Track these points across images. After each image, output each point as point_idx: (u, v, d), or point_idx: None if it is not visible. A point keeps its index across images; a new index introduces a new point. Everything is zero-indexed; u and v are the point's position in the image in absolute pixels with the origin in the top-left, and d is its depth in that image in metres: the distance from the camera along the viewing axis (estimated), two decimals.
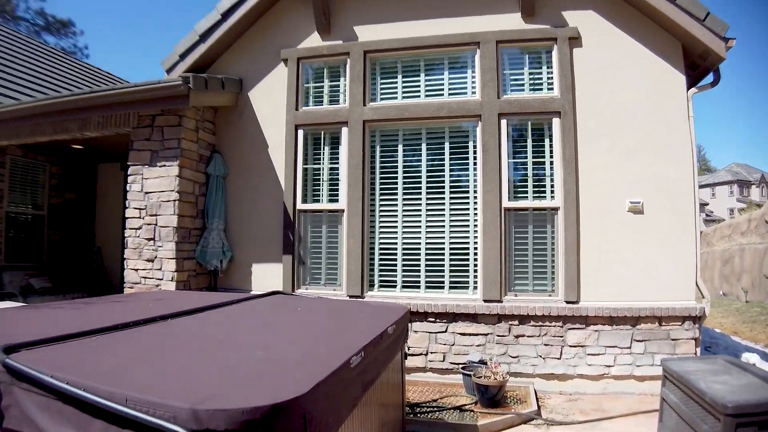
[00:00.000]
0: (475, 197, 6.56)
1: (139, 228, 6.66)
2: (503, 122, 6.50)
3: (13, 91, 9.47)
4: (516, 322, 6.19)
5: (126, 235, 6.78)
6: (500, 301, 6.27)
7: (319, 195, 7.04)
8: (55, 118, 7.20)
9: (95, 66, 15.32)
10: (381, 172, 6.88)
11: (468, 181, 6.64)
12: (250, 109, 7.24)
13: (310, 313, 4.14)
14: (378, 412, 3.62)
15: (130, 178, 6.75)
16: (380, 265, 6.78)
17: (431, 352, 6.39)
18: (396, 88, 6.93)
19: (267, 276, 7.00)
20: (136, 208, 6.70)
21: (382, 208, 6.83)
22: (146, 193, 6.62)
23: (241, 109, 7.28)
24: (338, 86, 7.13)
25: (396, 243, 6.74)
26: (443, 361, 6.35)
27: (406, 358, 4.62)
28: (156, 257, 6.55)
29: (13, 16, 22.66)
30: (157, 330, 3.06)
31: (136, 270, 6.69)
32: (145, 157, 6.65)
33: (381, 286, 6.77)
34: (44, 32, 23.31)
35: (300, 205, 6.97)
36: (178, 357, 2.45)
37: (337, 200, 6.91)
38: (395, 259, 6.73)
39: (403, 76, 6.92)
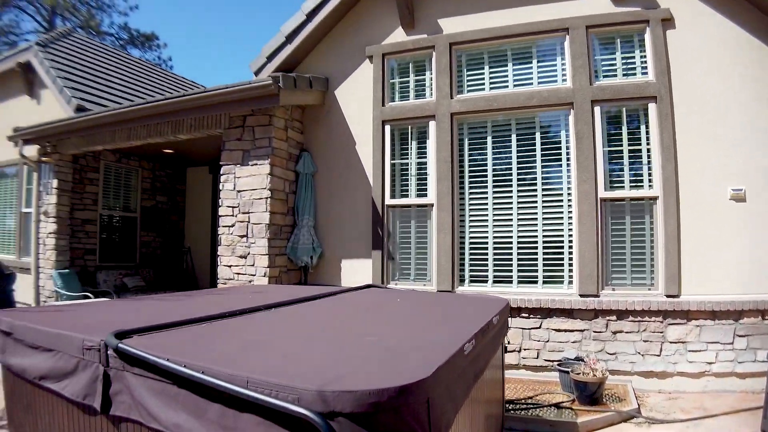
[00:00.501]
0: (569, 188, 6.33)
1: (232, 225, 6.81)
2: (596, 109, 6.25)
3: (106, 101, 9.95)
4: (614, 318, 5.91)
5: (219, 232, 6.94)
6: (597, 296, 6.01)
7: (407, 190, 6.99)
8: (149, 121, 7.49)
9: (180, 75, 15.92)
10: (470, 165, 6.76)
11: (561, 171, 6.42)
12: (337, 107, 7.29)
13: (410, 303, 4.09)
14: (482, 406, 3.51)
15: (222, 178, 6.92)
16: (471, 259, 6.65)
17: (524, 349, 6.20)
18: (483, 79, 6.79)
19: (356, 272, 7.01)
20: (229, 206, 6.85)
21: (471, 202, 6.70)
22: (239, 191, 6.77)
23: (328, 107, 7.34)
24: (424, 80, 7.06)
25: (486, 237, 6.60)
26: (537, 358, 6.16)
27: (505, 352, 4.49)
28: (249, 254, 6.67)
29: (98, 32, 23.85)
30: (264, 318, 3.07)
31: (230, 266, 6.84)
32: (237, 156, 6.80)
33: (472, 281, 6.64)
34: (129, 46, 24.40)
35: (388, 201, 6.95)
36: (290, 342, 2.43)
37: (425, 194, 6.84)
38: (486, 254, 6.59)
39: (490, 67, 6.78)
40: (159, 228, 11.61)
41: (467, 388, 2.61)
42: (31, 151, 9.64)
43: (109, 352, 2.13)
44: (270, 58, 7.42)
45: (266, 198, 6.57)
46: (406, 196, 6.97)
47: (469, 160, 6.77)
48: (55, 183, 9.16)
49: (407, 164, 7.00)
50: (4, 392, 3.05)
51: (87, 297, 8.74)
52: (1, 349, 2.91)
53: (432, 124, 6.83)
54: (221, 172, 6.94)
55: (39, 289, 9.60)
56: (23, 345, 2.68)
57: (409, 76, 7.14)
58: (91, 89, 10.26)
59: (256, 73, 7.50)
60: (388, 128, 7.03)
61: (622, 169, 6.23)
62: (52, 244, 9.19)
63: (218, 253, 6.95)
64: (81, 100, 9.37)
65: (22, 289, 9.60)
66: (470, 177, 6.74)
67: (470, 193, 6.72)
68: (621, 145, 6.23)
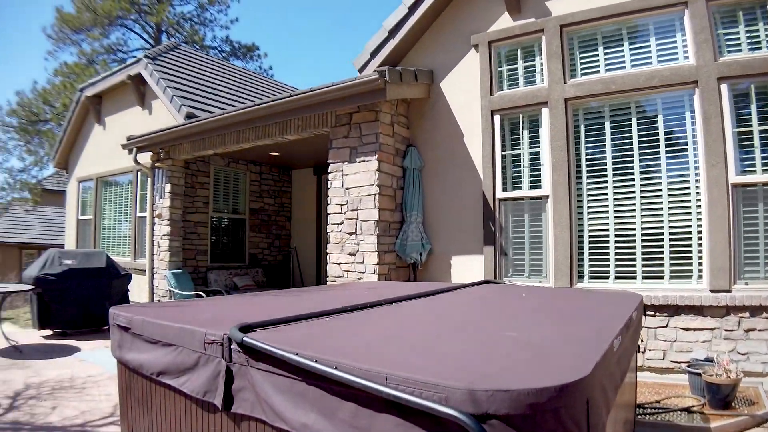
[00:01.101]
0: (697, 174, 5.82)
1: (341, 223, 6.77)
2: (723, 87, 5.70)
3: (213, 108, 10.25)
4: (746, 315, 5.36)
5: (328, 230, 6.93)
6: (729, 291, 5.47)
7: (519, 182, 6.70)
8: (257, 123, 7.61)
9: (280, 81, 16.29)
10: (587, 153, 6.37)
11: (687, 156, 5.92)
12: (443, 100, 7.11)
13: (537, 298, 3.83)
14: (621, 410, 3.21)
15: (330, 176, 6.90)
16: (590, 254, 6.27)
17: (650, 349, 5.75)
18: (597, 61, 6.39)
19: (467, 268, 6.79)
20: (337, 204, 6.82)
21: (590, 192, 6.31)
22: (347, 188, 6.72)
23: (434, 100, 7.17)
24: (533, 66, 6.75)
25: (607, 229, 6.19)
26: (663, 359, 5.69)
27: (639, 352, 4.14)
28: (357, 251, 6.61)
29: (202, 46, 24.88)
30: (388, 312, 2.93)
31: (338, 264, 6.80)
32: (344, 154, 6.76)
33: (591, 277, 6.25)
34: (232, 58, 25.30)
35: (500, 194, 6.68)
36: (422, 337, 2.27)
37: (539, 186, 6.53)
38: (607, 247, 6.18)
39: (605, 48, 6.37)
40: (266, 229, 11.90)
41: (615, 388, 2.35)
42: (145, 158, 10.08)
43: (232, 346, 2.04)
44: (374, 54, 7.35)
45: (374, 194, 6.48)
46: (519, 188, 6.68)
47: (586, 148, 6.39)
48: (168, 187, 9.54)
49: (519, 155, 6.71)
50: (118, 388, 3.06)
51: (199, 296, 9.01)
52: (118, 344, 2.92)
53: (545, 112, 6.50)
54: (329, 170, 6.93)
55: (153, 288, 10.01)
56: (141, 340, 2.66)
57: (517, 63, 6.84)
58: (199, 98, 10.64)
59: (360, 70, 7.45)
60: (497, 118, 6.77)
61: (753, 152, 5.67)
62: (165, 246, 9.56)
63: (327, 250, 6.94)
64: (190, 108, 9.70)
65: (138, 289, 10.09)
66: (588, 166, 6.35)
67: (588, 183, 6.33)
68: (751, 126, 5.67)
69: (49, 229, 26.45)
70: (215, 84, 12.26)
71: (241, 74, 15.32)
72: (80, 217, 14.04)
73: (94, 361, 6.93)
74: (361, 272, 6.58)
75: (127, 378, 2.93)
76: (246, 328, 2.10)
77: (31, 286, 8.02)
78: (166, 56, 12.23)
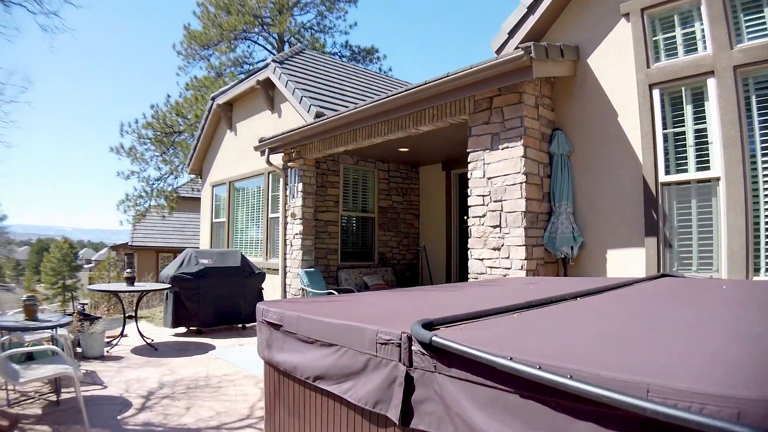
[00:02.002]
0: None
1: (483, 216, 6.34)
2: None
3: (341, 107, 10.15)
4: None
5: (469, 223, 6.51)
6: None
7: (684, 163, 5.94)
8: (390, 116, 7.36)
9: (403, 80, 16.15)
10: (761, 128, 5.53)
11: None
12: (591, 77, 6.49)
13: (741, 292, 3.22)
14: None
15: (470, 165, 6.49)
16: None
17: None
18: (765, 23, 5.53)
19: (625, 263, 6.13)
20: (478, 195, 6.40)
21: (766, 173, 5.47)
22: (489, 178, 6.29)
23: (581, 78, 6.57)
24: (693, 32, 5.96)
25: None
26: None
27: None
28: (502, 245, 6.15)
29: (323, 52, 25.36)
30: (577, 308, 2.48)
31: (481, 260, 6.37)
32: (485, 141, 6.34)
33: None
34: (351, 62, 25.61)
35: (662, 177, 5.96)
36: (645, 337, 1.82)
37: (708, 167, 5.75)
38: None
39: None
40: (395, 228, 11.71)
41: None
42: (276, 159, 10.19)
43: (413, 347, 1.69)
44: (512, 33, 6.87)
45: (521, 183, 6.00)
46: (684, 170, 5.92)
47: (760, 122, 5.55)
48: (300, 186, 9.55)
49: (683, 133, 5.95)
50: (265, 392, 2.80)
51: (332, 294, 8.92)
52: (266, 343, 2.66)
53: (711, 82, 5.72)
54: (468, 160, 6.52)
55: (286, 287, 10.06)
56: (295, 339, 2.37)
57: (674, 30, 6.09)
58: (326, 97, 10.63)
59: (498, 51, 7.00)
60: (656, 92, 6.06)
61: None
62: (298, 245, 9.57)
63: (468, 245, 6.53)
64: (319, 107, 9.67)
65: (271, 288, 10.16)
66: (762, 142, 5.51)
67: (764, 162, 5.49)
68: None
69: (183, 233, 28.07)
70: (340, 84, 12.26)
71: (364, 74, 15.33)
72: (214, 220, 14.58)
73: (229, 360, 6.95)
74: (506, 268, 6.12)
75: (275, 381, 2.68)
76: (429, 326, 1.75)
77: (168, 285, 8.26)
78: (292, 60, 12.40)
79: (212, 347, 7.73)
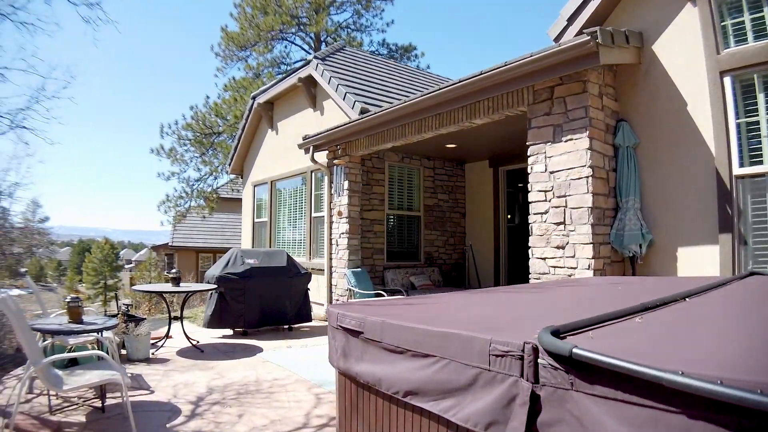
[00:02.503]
0: None
1: (546, 212, 6.01)
2: None
3: (385, 103, 9.90)
4: None
5: (530, 221, 6.19)
6: None
7: (759, 155, 5.51)
8: (441, 109, 7.10)
9: (444, 76, 15.86)
10: None
11: None
12: (657, 64, 6.10)
13: None
14: None
15: (530, 159, 6.17)
16: None
17: None
18: None
19: (697, 261, 5.72)
20: (540, 191, 6.06)
21: None
22: (551, 172, 5.95)
23: (646, 65, 6.18)
24: (762, 17, 5.53)
25: None
26: None
27: None
28: (567, 243, 5.81)
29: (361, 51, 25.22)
30: (693, 310, 2.19)
31: (544, 259, 6.04)
32: (546, 133, 6.00)
33: None
34: (389, 60, 25.42)
35: (736, 170, 5.53)
36: None
37: None
38: None
39: None
40: (441, 227, 11.42)
41: None
42: (321, 158, 10.00)
43: (540, 360, 1.43)
44: (570, 19, 6.52)
45: (586, 177, 5.65)
46: (759, 162, 5.49)
47: None
48: (346, 184, 9.33)
49: (756, 123, 5.52)
50: (338, 405, 2.53)
51: (380, 295, 8.67)
52: (342, 351, 2.39)
53: None
54: (528, 153, 6.20)
55: (332, 287, 9.87)
56: (379, 348, 2.11)
57: (743, 15, 5.67)
58: (370, 93, 10.41)
59: (556, 39, 6.65)
60: (727, 80, 5.63)
61: None
62: (344, 244, 9.35)
63: (529, 244, 6.20)
64: (363, 104, 9.44)
65: (315, 289, 9.97)
66: None
67: None
68: None
69: (222, 233, 28.28)
70: (382, 81, 12.03)
71: (405, 71, 15.09)
72: (256, 220, 14.49)
73: (279, 363, 6.73)
74: (571, 268, 5.78)
75: (352, 394, 2.41)
76: (556, 334, 1.49)
77: (214, 285, 8.10)
78: (333, 57, 12.21)
79: (259, 349, 7.55)
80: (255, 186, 14.52)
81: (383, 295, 8.66)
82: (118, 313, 7.81)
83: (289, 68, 24.49)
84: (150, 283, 27.83)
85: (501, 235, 10.96)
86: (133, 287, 8.25)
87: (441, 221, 11.42)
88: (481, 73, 6.29)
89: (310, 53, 25.27)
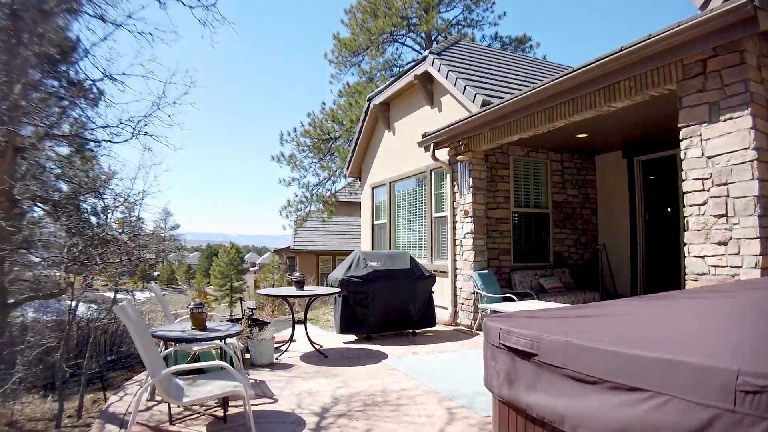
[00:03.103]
0: None
1: (703, 203, 5.30)
2: None
3: (507, 95, 9.42)
4: None
5: (685, 213, 5.50)
6: None
7: None
8: (575, 93, 6.59)
9: (566, 64, 15.06)
10: None
11: None
12: None
13: None
14: None
15: (683, 143, 5.48)
16: None
17: None
18: None
19: None
20: (696, 179, 5.36)
21: None
22: (708, 157, 5.25)
23: None
24: None
25: None
26: None
27: None
28: (730, 239, 5.08)
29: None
30: None
31: (702, 257, 5.33)
32: (700, 113, 5.30)
33: None
34: (505, 51, 24.74)
35: None
36: None
37: None
38: None
39: None
40: (570, 224, 10.72)
41: None
42: (442, 155, 9.69)
43: None
44: None
45: (750, 161, 4.90)
46: None
47: None
48: (470, 182, 8.95)
49: None
50: None
51: (509, 299, 8.21)
52: (505, 376, 1.99)
53: None
54: (680, 137, 5.52)
55: (456, 290, 9.51)
56: (560, 375, 1.71)
57: None
58: (490, 85, 9.97)
59: (702, 7, 5.90)
60: None
61: None
62: (469, 245, 8.97)
63: (685, 240, 5.51)
64: (485, 96, 9.02)
65: (438, 292, 9.63)
66: None
67: None
68: None
69: (341, 236, 28.77)
70: (501, 72, 11.52)
71: (524, 61, 14.47)
72: (375, 222, 14.42)
73: (405, 371, 6.44)
74: (735, 267, 5.04)
75: (519, 429, 2.04)
76: None
77: (337, 289, 7.98)
78: (449, 51, 11.86)
79: (384, 355, 7.33)
80: (373, 188, 14.46)
81: (513, 299, 8.19)
82: (243, 317, 7.90)
83: (401, 70, 24.44)
84: (273, 284, 28.86)
85: (638, 232, 10.10)
86: (258, 291, 8.31)
87: (571, 218, 10.73)
88: (622, 50, 5.69)
89: (421, 53, 25.11)
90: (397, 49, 26.64)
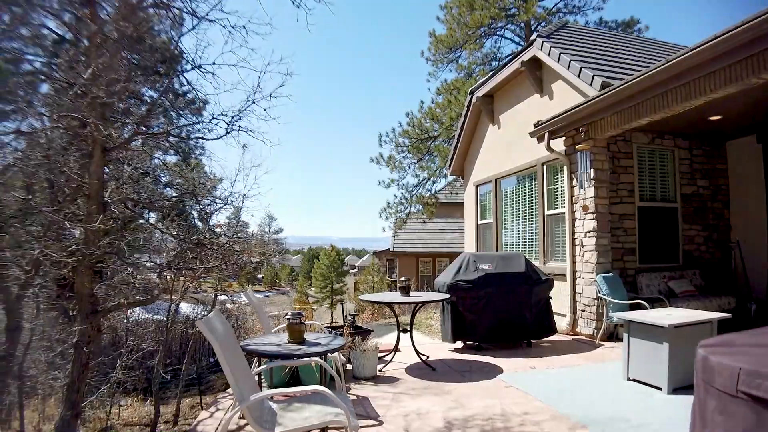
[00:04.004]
0: None
1: None
2: None
3: (627, 76, 8.36)
4: None
5: None
6: None
7: None
8: (719, 64, 5.55)
9: (681, 44, 13.62)
10: None
11: None
12: None
13: None
14: None
15: None
16: None
17: None
18: None
19: None
20: None
21: None
22: None
23: None
24: None
25: None
26: None
27: None
28: None
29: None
30: None
31: None
32: None
33: None
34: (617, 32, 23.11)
35: None
36: None
37: None
38: None
39: None
40: (701, 220, 9.42)
41: None
42: (557, 146, 8.79)
43: None
44: None
45: None
46: None
47: None
48: (591, 173, 7.99)
49: None
50: None
51: (640, 307, 7.15)
52: None
53: None
54: None
55: (575, 296, 8.54)
56: None
57: None
58: (606, 68, 8.93)
59: None
60: None
61: None
62: (591, 245, 8.00)
63: None
64: (604, 77, 8.03)
65: (554, 297, 8.65)
66: None
67: None
68: None
69: (441, 238, 28.13)
70: (617, 54, 10.38)
71: (639, 42, 13.14)
72: (479, 222, 13.58)
73: (525, 389, 5.60)
74: None
75: None
76: None
77: (446, 295, 7.23)
78: (558, 34, 10.85)
79: (498, 369, 6.53)
80: (477, 186, 13.62)
81: (644, 306, 7.13)
82: (345, 324, 7.36)
83: (500, 63, 23.46)
84: (373, 287, 28.52)
85: None
86: (361, 297, 7.72)
87: (701, 213, 9.42)
88: None
89: (521, 45, 24.00)
90: (495, 42, 25.72)
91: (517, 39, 25.36)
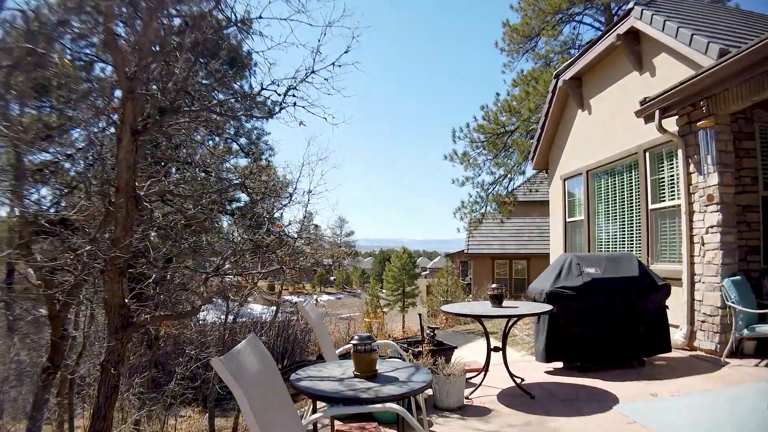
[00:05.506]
0: None
1: None
2: None
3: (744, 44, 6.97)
4: None
5: None
6: None
7: None
8: None
9: None
10: None
11: None
12: None
13: None
14: None
15: None
16: None
17: None
18: None
19: None
20: None
21: None
22: None
23: None
24: None
25: None
26: None
27: None
28: None
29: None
30: None
31: None
32: None
33: None
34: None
35: None
36: None
37: None
38: None
39: None
40: None
41: None
42: (669, 126, 7.51)
43: None
44: None
45: None
46: None
47: None
48: (715, 156, 6.65)
49: None
50: None
51: None
52: None
53: None
54: None
55: (693, 303, 7.21)
56: None
57: None
58: (719, 36, 7.54)
59: None
60: None
61: None
62: (715, 242, 6.69)
63: None
64: (721, 45, 6.71)
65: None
66: None
67: None
68: None
69: (518, 238, 26.80)
70: (724, 23, 8.93)
71: (739, 12, 11.62)
72: (568, 220, 12.27)
73: (653, 426, 4.42)
74: None
75: None
76: None
77: (548, 307, 5.98)
78: (655, 4, 9.49)
79: (612, 397, 5.32)
80: (564, 180, 12.32)
81: None
82: (423, 339, 6.38)
83: (577, 50, 21.96)
84: (447, 290, 27.44)
85: None
86: (443, 308, 6.69)
87: None
88: None
89: (601, 30, 22.39)
90: (573, 28, 24.20)
91: (597, 24, 23.76)
